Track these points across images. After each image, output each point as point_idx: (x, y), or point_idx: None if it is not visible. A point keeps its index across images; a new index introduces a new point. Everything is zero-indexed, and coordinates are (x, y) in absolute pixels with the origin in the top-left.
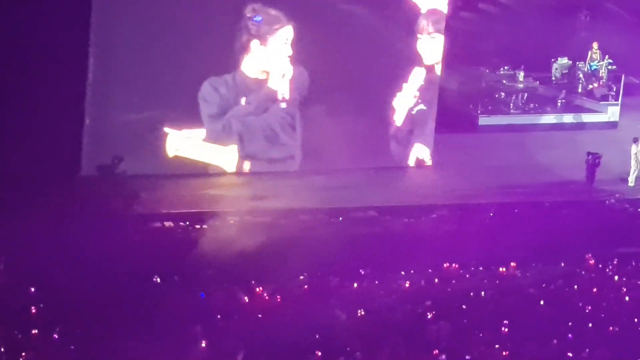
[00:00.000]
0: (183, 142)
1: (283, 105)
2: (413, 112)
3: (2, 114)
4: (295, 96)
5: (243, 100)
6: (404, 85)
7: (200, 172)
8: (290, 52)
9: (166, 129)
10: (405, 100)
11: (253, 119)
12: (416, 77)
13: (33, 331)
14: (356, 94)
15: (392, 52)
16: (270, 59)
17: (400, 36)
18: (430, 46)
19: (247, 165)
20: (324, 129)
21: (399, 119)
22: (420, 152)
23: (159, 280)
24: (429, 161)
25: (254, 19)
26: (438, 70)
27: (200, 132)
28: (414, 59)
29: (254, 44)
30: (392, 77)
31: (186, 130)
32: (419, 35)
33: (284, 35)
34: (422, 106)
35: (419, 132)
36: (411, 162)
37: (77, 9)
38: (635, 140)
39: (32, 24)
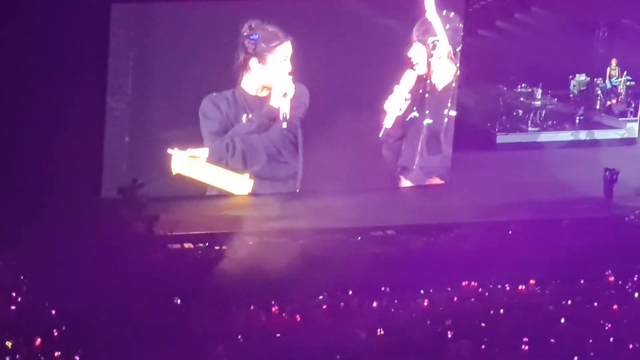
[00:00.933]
0: (186, 163)
1: (284, 125)
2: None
3: (21, 138)
4: (296, 114)
5: (244, 118)
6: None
7: (218, 193)
8: (289, 68)
9: (169, 150)
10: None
11: (255, 137)
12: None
13: (56, 353)
14: (363, 109)
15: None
16: (270, 77)
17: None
18: (416, 53)
19: (250, 185)
20: (332, 149)
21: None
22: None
23: (179, 301)
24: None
25: (251, 37)
26: (438, 82)
27: (204, 151)
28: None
29: (253, 62)
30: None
31: (190, 149)
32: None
33: (283, 52)
34: (428, 120)
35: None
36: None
37: (95, 33)
38: None
39: (49, 49)
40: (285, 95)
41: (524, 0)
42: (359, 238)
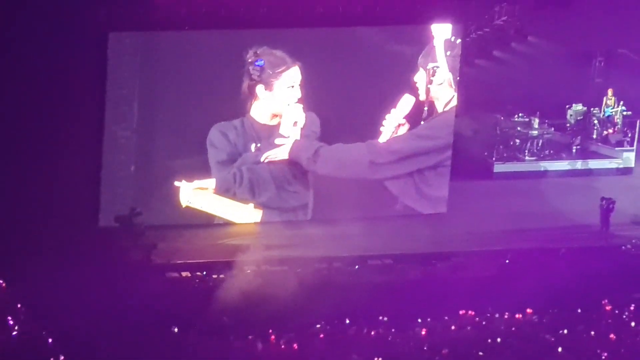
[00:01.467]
0: (195, 195)
1: None
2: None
3: (19, 166)
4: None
5: (253, 147)
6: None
7: (216, 221)
8: (299, 95)
9: (176, 183)
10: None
11: (264, 166)
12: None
13: None
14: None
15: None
16: (279, 104)
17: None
18: (419, 78)
19: (258, 215)
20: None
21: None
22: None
23: (177, 330)
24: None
25: (256, 63)
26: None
27: (211, 182)
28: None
29: (259, 89)
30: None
31: (197, 180)
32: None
33: (291, 78)
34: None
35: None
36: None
37: (93, 61)
38: None
39: (47, 76)
40: (295, 124)
41: (521, 29)
42: (357, 267)
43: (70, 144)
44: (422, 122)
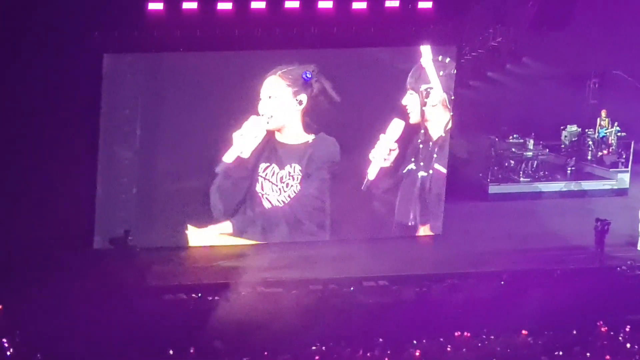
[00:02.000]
0: (206, 237)
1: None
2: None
3: (13, 189)
4: (325, 175)
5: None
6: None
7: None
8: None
9: (189, 229)
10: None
11: (274, 208)
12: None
13: None
14: (353, 158)
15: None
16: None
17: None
18: (409, 101)
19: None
20: (343, 200)
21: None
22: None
23: (172, 352)
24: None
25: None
26: (433, 131)
27: (227, 226)
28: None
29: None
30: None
31: (212, 226)
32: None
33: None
34: (423, 172)
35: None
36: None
37: (89, 82)
38: None
39: (43, 98)
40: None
41: (515, 51)
42: (352, 288)
43: (66, 166)
44: (420, 146)
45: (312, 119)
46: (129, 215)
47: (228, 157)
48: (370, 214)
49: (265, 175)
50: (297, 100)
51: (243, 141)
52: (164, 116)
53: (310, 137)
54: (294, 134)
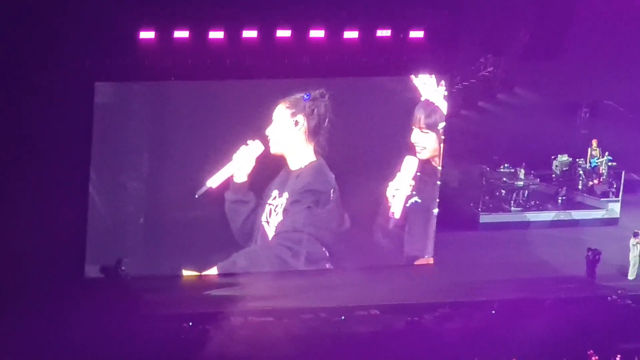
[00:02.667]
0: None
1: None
2: (407, 205)
3: (4, 218)
4: (312, 204)
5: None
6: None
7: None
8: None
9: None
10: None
11: (259, 251)
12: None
13: None
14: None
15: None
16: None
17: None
18: (422, 140)
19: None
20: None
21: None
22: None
23: None
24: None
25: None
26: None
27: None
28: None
29: None
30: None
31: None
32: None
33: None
34: (417, 199)
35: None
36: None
37: (80, 112)
38: (635, 235)
39: (33, 126)
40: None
41: (507, 81)
42: (343, 317)
43: (56, 196)
44: (437, 183)
45: (318, 144)
46: (117, 243)
47: (212, 182)
48: (375, 247)
49: (273, 202)
50: (294, 121)
51: (235, 164)
52: (168, 144)
53: (306, 162)
54: (300, 159)
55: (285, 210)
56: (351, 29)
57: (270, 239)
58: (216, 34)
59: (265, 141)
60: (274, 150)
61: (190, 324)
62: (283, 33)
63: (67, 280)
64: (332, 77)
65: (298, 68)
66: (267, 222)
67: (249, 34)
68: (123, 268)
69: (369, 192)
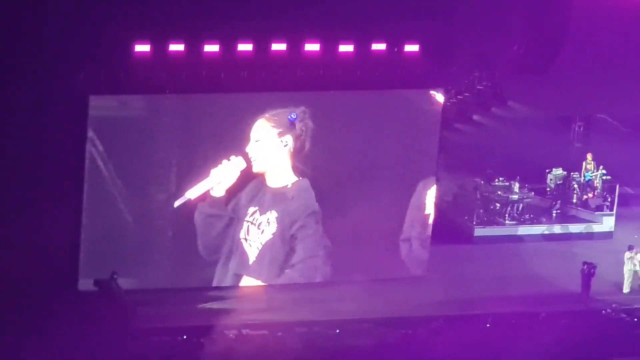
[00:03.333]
0: None
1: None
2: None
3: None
4: (301, 223)
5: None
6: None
7: (198, 286)
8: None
9: None
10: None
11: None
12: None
13: None
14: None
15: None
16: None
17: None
18: None
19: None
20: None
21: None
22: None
23: None
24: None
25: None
26: None
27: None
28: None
29: None
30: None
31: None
32: None
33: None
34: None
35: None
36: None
37: (75, 125)
38: (630, 248)
39: (26, 140)
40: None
41: (501, 94)
42: (337, 331)
43: (51, 208)
44: None
45: (301, 162)
46: (110, 257)
47: (191, 193)
48: (355, 256)
49: (253, 220)
50: (282, 141)
51: (216, 178)
52: (156, 156)
53: (292, 181)
54: (282, 177)
55: (293, 237)
56: (346, 43)
57: (251, 257)
58: (211, 47)
59: (247, 157)
60: (257, 169)
61: (184, 337)
62: (278, 47)
63: (61, 294)
64: (329, 91)
65: (292, 81)
66: (246, 239)
67: (244, 47)
68: (116, 277)
69: (355, 208)
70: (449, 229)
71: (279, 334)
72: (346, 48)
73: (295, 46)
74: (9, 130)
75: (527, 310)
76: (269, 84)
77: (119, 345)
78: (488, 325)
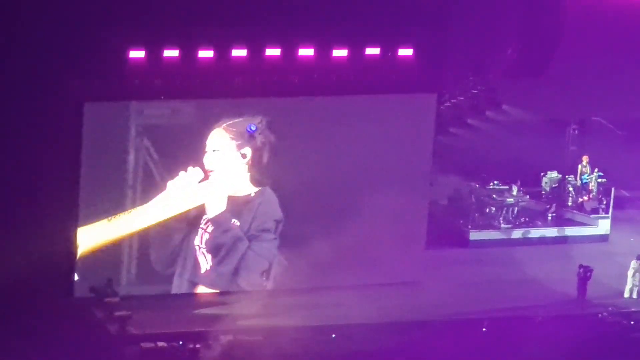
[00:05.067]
0: None
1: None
2: None
3: None
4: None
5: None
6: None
7: (192, 291)
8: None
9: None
10: None
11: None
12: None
13: None
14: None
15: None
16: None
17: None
18: None
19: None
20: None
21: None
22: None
23: None
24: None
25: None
26: None
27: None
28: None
29: None
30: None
31: None
32: None
33: None
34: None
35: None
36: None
37: (71, 134)
38: (639, 258)
39: (20, 147)
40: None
41: (495, 98)
42: (333, 335)
43: (47, 214)
44: None
45: (259, 172)
46: (107, 264)
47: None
48: (348, 261)
49: (207, 227)
50: (240, 153)
51: (173, 191)
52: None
53: (253, 190)
54: (240, 187)
55: (249, 247)
56: (340, 47)
57: (205, 265)
58: (206, 53)
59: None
60: (215, 180)
61: (181, 342)
62: (272, 52)
63: (56, 300)
64: (322, 96)
65: (286, 86)
66: (199, 247)
67: (239, 52)
68: (110, 282)
69: (352, 213)
70: (444, 233)
71: (275, 339)
72: (340, 53)
73: (289, 51)
74: (2, 138)
75: (523, 314)
76: (262, 88)
77: (115, 351)
78: (484, 329)
